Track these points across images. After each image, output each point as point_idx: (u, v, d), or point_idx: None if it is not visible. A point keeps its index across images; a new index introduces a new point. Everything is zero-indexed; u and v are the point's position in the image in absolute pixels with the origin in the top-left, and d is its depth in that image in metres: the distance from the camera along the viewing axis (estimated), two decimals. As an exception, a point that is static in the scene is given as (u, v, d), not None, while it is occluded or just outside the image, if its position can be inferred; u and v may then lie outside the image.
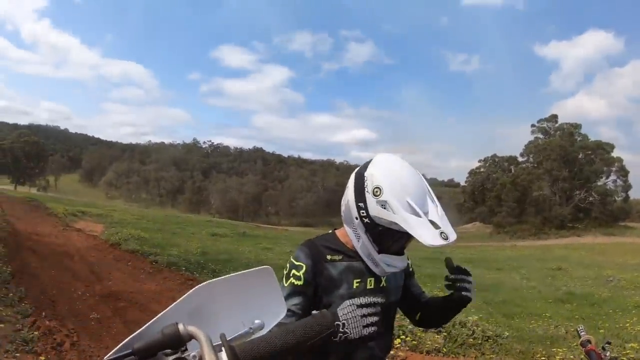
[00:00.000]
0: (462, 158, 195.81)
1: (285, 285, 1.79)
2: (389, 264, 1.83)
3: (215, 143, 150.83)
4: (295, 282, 1.79)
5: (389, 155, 1.87)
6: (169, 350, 0.80)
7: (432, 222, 1.66)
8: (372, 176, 1.76)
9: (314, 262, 1.85)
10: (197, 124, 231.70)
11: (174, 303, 0.88)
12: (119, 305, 8.08)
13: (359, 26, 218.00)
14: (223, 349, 0.82)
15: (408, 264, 2.06)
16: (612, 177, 70.63)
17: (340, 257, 1.90)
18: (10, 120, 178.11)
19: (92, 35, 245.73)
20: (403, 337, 6.22)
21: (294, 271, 1.82)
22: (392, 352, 5.75)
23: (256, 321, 0.95)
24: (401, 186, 1.71)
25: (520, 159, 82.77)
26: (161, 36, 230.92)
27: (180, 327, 0.79)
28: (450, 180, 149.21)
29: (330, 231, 2.02)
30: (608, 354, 2.08)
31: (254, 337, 0.95)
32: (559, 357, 6.12)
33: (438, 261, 22.51)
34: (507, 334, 6.75)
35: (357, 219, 1.80)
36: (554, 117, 78.37)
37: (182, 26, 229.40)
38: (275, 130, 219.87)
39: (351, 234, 1.87)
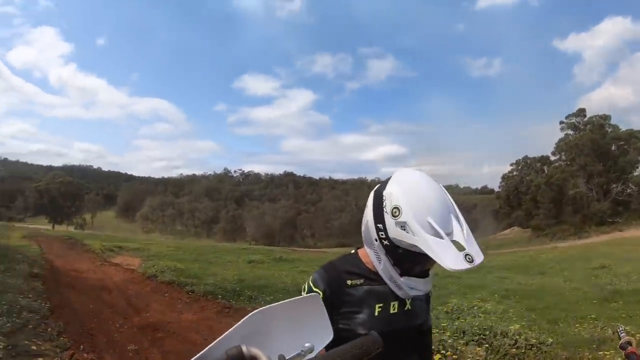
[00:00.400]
0: (493, 163, 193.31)
1: None
2: (412, 287, 1.72)
3: (246, 171, 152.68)
4: None
5: (409, 171, 1.74)
6: None
7: (456, 243, 1.53)
8: (391, 195, 1.63)
9: (332, 289, 1.75)
10: (227, 154, 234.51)
11: (232, 328, 0.91)
12: (157, 335, 8.14)
13: (376, 42, 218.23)
14: None
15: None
16: (649, 165, 68.33)
17: (362, 280, 1.79)
18: (45, 162, 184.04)
19: (118, 75, 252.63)
20: (443, 351, 6.08)
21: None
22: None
23: (306, 344, 0.97)
24: (422, 205, 1.57)
25: (552, 158, 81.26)
26: (184, 71, 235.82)
27: (244, 348, 0.83)
28: (483, 187, 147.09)
29: (353, 251, 1.91)
30: None
31: (306, 359, 0.97)
32: (606, 361, 5.91)
33: (478, 272, 22.19)
34: (551, 340, 6.51)
35: (376, 240, 1.68)
36: (582, 112, 76.83)
37: (204, 59, 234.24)
38: (305, 154, 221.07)
39: (372, 256, 1.76)
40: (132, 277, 16.25)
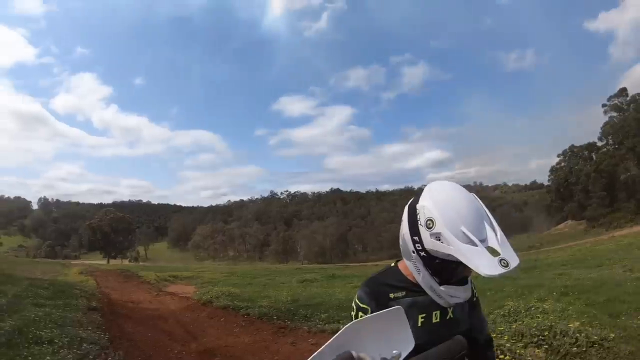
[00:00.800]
0: (540, 157, 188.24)
1: None
2: (452, 295, 1.78)
3: (292, 192, 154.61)
4: None
5: (440, 183, 1.80)
6: None
7: (490, 250, 1.58)
8: (424, 208, 1.71)
9: (377, 303, 1.82)
10: (271, 177, 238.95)
11: (329, 340, 1.02)
12: (214, 359, 8.33)
13: (407, 50, 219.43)
14: None
15: (474, 291, 2.03)
16: None
17: (404, 293, 1.86)
18: (95, 200, 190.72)
19: (158, 111, 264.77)
20: (502, 356, 6.01)
21: (360, 313, 1.82)
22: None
23: (394, 351, 1.09)
24: (454, 215, 1.64)
25: (599, 144, 78.84)
26: (222, 100, 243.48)
27: (354, 353, 0.97)
28: (533, 182, 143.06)
29: (393, 264, 1.99)
30: None
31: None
32: (673, 352, 5.71)
33: (534, 270, 21.66)
34: (613, 335, 6.34)
35: (414, 252, 1.76)
36: (623, 91, 74.20)
37: (240, 87, 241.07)
38: (349, 169, 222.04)
39: (412, 268, 1.83)
40: (188, 304, 16.55)
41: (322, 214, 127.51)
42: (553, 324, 6.77)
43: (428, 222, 1.67)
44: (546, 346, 6.14)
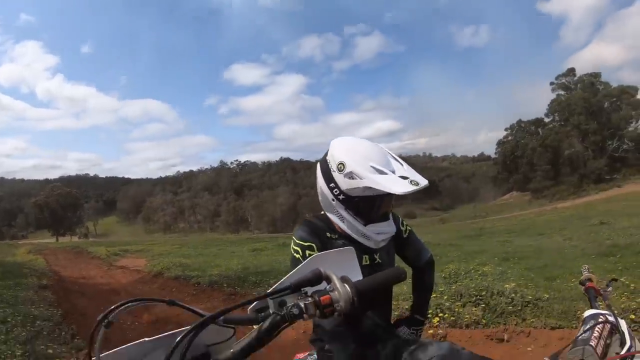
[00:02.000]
0: (488, 130, 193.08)
1: None
2: (379, 232, 1.98)
3: (242, 161, 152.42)
4: None
5: (342, 137, 2.00)
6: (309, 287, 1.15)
7: (401, 177, 1.79)
8: (333, 156, 1.91)
9: (320, 240, 1.97)
10: (222, 147, 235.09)
11: (299, 266, 1.24)
12: (167, 328, 8.29)
13: (362, 20, 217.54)
14: (346, 284, 1.12)
15: (401, 230, 2.20)
16: (643, 119, 68.33)
17: (337, 235, 2.02)
18: (41, 176, 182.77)
19: (106, 80, 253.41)
20: (441, 314, 6.26)
21: (308, 251, 1.92)
22: (431, 331, 5.85)
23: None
24: (361, 154, 1.85)
25: (546, 120, 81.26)
26: (172, 69, 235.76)
27: (322, 270, 1.15)
28: (480, 154, 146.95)
29: (323, 213, 2.11)
30: (610, 289, 2.14)
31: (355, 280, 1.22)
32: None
33: (479, 238, 22.42)
34: (547, 296, 6.70)
35: (334, 200, 1.94)
36: (571, 71, 76.71)
37: (191, 55, 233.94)
38: (300, 139, 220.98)
39: (336, 220, 2.00)
40: (139, 277, 16.41)
41: (272, 184, 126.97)
42: (490, 284, 7.08)
43: (339, 165, 1.87)
44: (483, 305, 6.43)
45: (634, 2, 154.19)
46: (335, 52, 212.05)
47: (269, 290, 1.15)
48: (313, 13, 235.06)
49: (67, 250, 33.98)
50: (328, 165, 1.93)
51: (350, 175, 1.83)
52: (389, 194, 1.82)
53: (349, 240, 1.98)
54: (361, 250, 1.96)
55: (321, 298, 1.11)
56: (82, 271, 19.33)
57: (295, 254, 1.97)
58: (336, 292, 1.11)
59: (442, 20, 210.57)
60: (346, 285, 1.12)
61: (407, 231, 2.25)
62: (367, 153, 1.86)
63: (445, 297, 6.86)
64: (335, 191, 1.91)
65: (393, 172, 1.82)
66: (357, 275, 1.33)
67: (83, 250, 32.83)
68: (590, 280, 2.17)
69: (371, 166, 1.80)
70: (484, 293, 6.72)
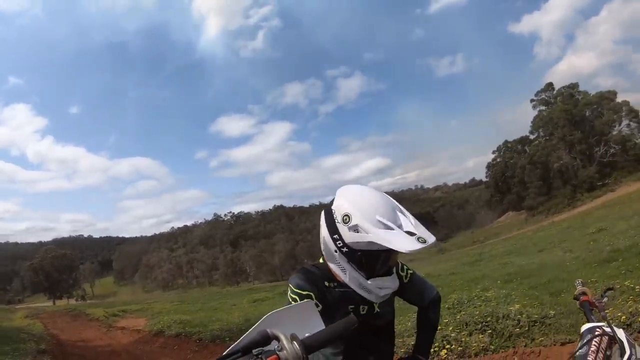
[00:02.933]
0: (476, 155, 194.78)
1: None
2: (381, 287, 1.90)
3: (236, 213, 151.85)
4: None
5: (350, 185, 1.97)
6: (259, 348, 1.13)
7: (407, 233, 1.71)
8: (339, 207, 1.86)
9: (317, 287, 1.92)
10: (215, 199, 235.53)
11: (250, 330, 1.24)
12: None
13: (342, 62, 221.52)
14: (294, 342, 1.13)
15: (401, 275, 2.14)
16: (625, 122, 69.81)
17: (335, 284, 1.96)
18: (35, 239, 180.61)
19: (96, 140, 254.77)
20: (448, 346, 6.10)
21: (307, 301, 1.80)
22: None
23: (306, 334, 1.23)
24: (368, 207, 1.78)
25: (531, 137, 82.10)
26: (160, 125, 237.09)
27: (268, 330, 1.15)
28: (472, 180, 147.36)
29: (322, 260, 2.05)
30: (605, 300, 2.08)
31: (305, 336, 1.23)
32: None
33: (479, 263, 22.28)
34: (553, 312, 6.56)
35: (336, 252, 1.86)
36: (549, 86, 78.11)
37: (178, 111, 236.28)
38: (292, 185, 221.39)
39: (337, 270, 1.93)
40: (140, 337, 16.14)
41: (268, 232, 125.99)
42: (495, 309, 6.95)
43: (344, 217, 1.81)
44: (490, 330, 6.28)
45: (599, 11, 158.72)
46: (319, 96, 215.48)
47: (220, 356, 1.14)
48: (294, 60, 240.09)
49: (64, 314, 33.33)
50: (333, 215, 1.89)
51: (356, 229, 1.77)
52: (394, 250, 1.74)
53: (349, 288, 1.93)
54: (360, 300, 1.96)
55: (268, 359, 1.11)
56: (81, 334, 19.03)
57: (292, 302, 1.88)
58: (284, 351, 1.11)
59: (419, 54, 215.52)
60: (294, 343, 1.13)
61: (408, 275, 2.19)
62: (374, 206, 1.79)
63: (450, 328, 6.71)
64: (339, 243, 1.84)
65: (400, 226, 1.75)
66: (318, 328, 1.34)
67: (81, 312, 32.23)
68: (584, 294, 2.15)
69: (378, 220, 1.74)
70: (489, 319, 6.57)
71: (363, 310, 1.98)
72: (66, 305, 63.73)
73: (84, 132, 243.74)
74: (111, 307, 34.84)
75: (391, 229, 1.72)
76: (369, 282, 1.88)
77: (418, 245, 1.65)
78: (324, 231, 1.91)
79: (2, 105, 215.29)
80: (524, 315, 6.45)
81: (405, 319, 7.72)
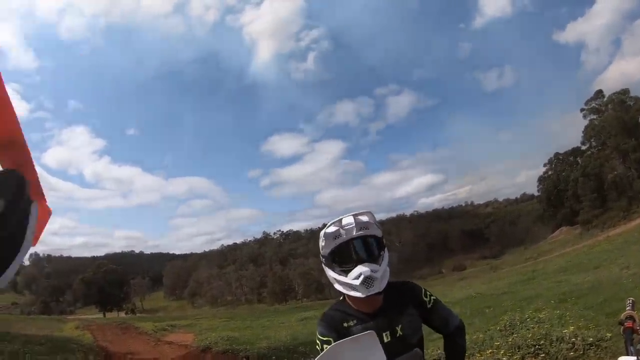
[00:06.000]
0: (527, 168, 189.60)
1: None
2: (357, 275, 2.04)
3: (285, 231, 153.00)
4: None
5: None
6: None
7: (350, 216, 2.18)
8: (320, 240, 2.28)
9: (336, 332, 2.07)
10: (265, 218, 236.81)
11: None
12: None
13: (390, 81, 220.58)
14: None
15: (424, 300, 2.24)
16: (682, 129, 65.93)
17: (354, 321, 2.12)
18: (89, 254, 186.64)
19: (152, 161, 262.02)
20: (500, 370, 5.92)
21: (325, 346, 2.01)
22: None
23: None
24: (329, 229, 2.18)
25: (583, 148, 79.34)
26: (214, 145, 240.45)
27: None
28: (523, 194, 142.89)
29: (341, 297, 2.24)
30: None
31: None
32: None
33: (532, 281, 21.60)
34: (610, 334, 6.27)
35: (325, 266, 2.27)
36: (599, 93, 75.46)
37: (232, 131, 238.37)
38: (341, 203, 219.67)
39: (337, 287, 2.16)
40: (187, 352, 16.33)
41: (317, 251, 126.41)
42: (549, 332, 6.69)
43: (320, 240, 2.26)
44: (543, 355, 6.05)
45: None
46: (370, 115, 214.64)
47: None
48: (344, 79, 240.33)
49: (114, 326, 34.17)
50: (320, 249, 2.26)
51: (323, 237, 2.20)
52: (351, 239, 2.10)
53: (368, 320, 2.09)
54: (383, 326, 2.06)
55: None
56: (129, 347, 19.39)
57: (317, 346, 2.10)
58: None
59: (466, 69, 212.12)
60: None
61: (432, 301, 2.27)
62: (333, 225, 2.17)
63: (502, 352, 6.51)
64: (322, 259, 2.25)
65: (340, 221, 2.15)
66: (381, 356, 1.37)
67: (130, 325, 33.01)
68: (630, 318, 1.98)
69: (330, 223, 2.17)
70: (542, 342, 6.34)
71: (387, 338, 2.05)
72: (116, 317, 65.53)
73: (140, 153, 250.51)
74: (160, 321, 35.55)
75: (339, 220, 2.15)
76: (346, 278, 2.07)
77: (352, 219, 2.11)
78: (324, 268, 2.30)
79: (62, 128, 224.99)
80: (578, 338, 6.21)
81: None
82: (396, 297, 2.16)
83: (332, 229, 2.13)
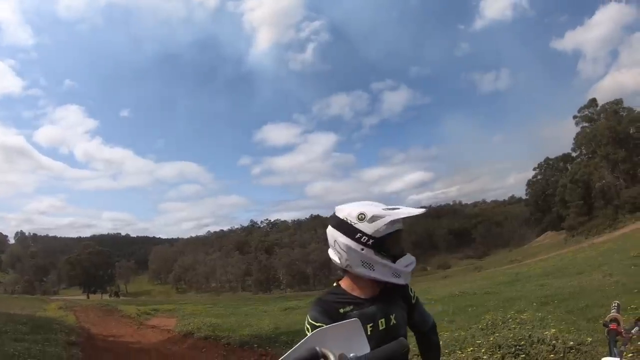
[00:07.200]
0: (517, 171, 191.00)
1: None
2: (406, 264, 2.09)
3: (272, 220, 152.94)
4: None
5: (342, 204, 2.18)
6: None
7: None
8: (349, 213, 2.06)
9: (331, 317, 1.97)
10: (254, 206, 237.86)
11: (297, 344, 1.19)
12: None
13: (387, 76, 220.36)
14: None
15: (410, 295, 2.27)
16: (671, 141, 66.65)
17: (351, 307, 2.07)
18: (75, 234, 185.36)
19: (144, 144, 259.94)
20: (480, 368, 5.98)
21: None
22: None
23: (351, 354, 1.22)
24: (370, 204, 2.08)
25: (573, 154, 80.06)
26: (207, 131, 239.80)
27: (317, 349, 1.12)
28: (511, 197, 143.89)
29: (335, 284, 2.20)
30: (635, 331, 1.97)
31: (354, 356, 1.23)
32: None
33: (516, 283, 21.80)
34: (590, 339, 6.34)
35: (363, 249, 2.00)
36: (593, 102, 76.00)
37: (225, 118, 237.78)
38: (331, 195, 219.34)
39: (363, 272, 2.05)
40: (169, 337, 16.36)
41: (303, 241, 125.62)
42: (530, 333, 6.76)
43: (360, 216, 2.02)
44: (523, 355, 6.10)
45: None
46: (364, 108, 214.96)
47: None
48: (341, 72, 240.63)
49: (97, 308, 34.13)
50: (346, 222, 2.04)
51: (374, 219, 1.99)
52: (400, 230, 2.06)
53: (365, 305, 2.08)
54: (379, 313, 2.07)
55: None
56: (112, 329, 19.45)
57: (307, 332, 1.97)
58: None
59: (463, 70, 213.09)
60: None
61: (415, 298, 2.31)
62: (373, 203, 2.09)
63: (483, 350, 6.56)
64: (364, 239, 1.99)
65: (395, 210, 2.04)
66: (363, 348, 1.32)
67: (114, 308, 33.04)
68: (615, 321, 2.02)
69: (382, 208, 2.02)
70: (523, 343, 6.39)
71: (382, 325, 2.07)
72: (100, 300, 65.36)
73: (132, 136, 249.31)
74: (144, 305, 35.51)
75: (397, 208, 2.03)
76: (395, 265, 2.04)
77: (421, 210, 2.04)
78: (341, 240, 2.04)
79: (55, 106, 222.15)
80: (559, 341, 6.26)
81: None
82: (388, 288, 2.15)
83: (391, 215, 2.00)
